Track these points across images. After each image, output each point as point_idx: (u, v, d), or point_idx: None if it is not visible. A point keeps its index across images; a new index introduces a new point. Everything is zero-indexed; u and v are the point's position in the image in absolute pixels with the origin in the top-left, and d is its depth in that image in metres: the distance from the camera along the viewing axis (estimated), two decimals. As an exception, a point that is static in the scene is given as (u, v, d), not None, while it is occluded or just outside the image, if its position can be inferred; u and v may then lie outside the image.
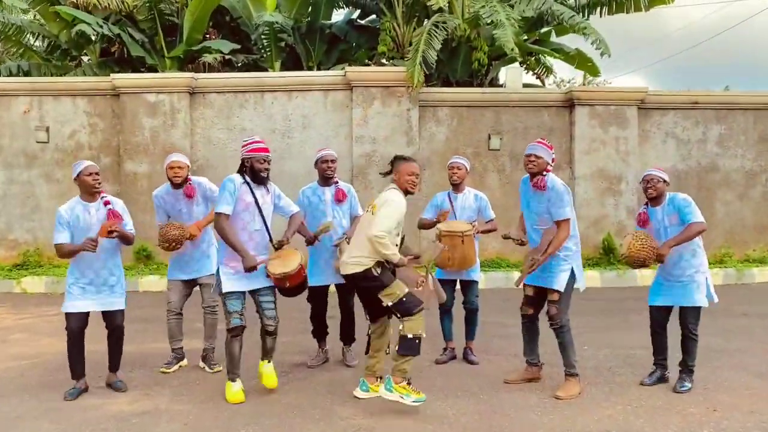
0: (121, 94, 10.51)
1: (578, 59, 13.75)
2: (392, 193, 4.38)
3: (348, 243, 4.96)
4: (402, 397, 4.16)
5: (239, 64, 12.43)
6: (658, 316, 4.77)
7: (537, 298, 4.74)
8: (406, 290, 4.31)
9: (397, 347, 4.25)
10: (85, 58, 14.15)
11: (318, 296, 5.32)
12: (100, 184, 4.54)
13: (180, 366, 5.27)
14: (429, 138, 10.87)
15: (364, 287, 4.44)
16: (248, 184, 4.43)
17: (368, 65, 13.27)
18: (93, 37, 12.68)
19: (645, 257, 4.49)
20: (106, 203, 4.55)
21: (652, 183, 4.65)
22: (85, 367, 4.63)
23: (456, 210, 5.46)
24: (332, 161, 5.30)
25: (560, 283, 4.52)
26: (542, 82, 15.15)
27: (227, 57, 11.80)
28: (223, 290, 4.38)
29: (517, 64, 12.13)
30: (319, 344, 5.46)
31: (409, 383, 4.24)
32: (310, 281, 5.06)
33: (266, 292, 4.49)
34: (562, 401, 4.42)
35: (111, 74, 10.90)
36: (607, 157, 10.88)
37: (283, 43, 12.45)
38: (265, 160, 4.44)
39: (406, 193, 4.41)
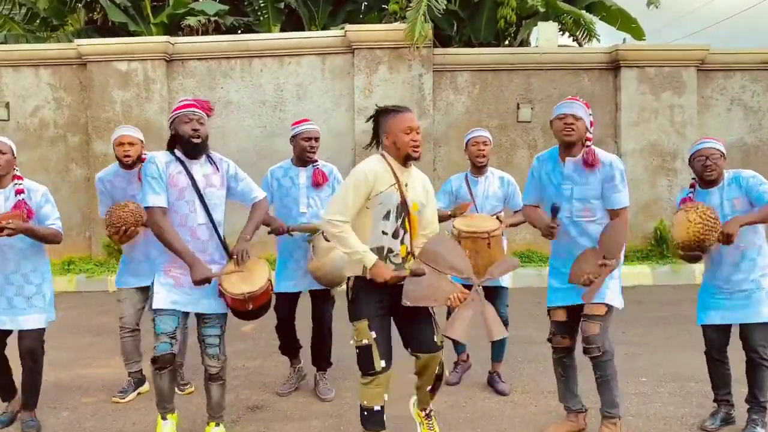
0: (88, 63, 9.13)
1: (620, 18, 11.99)
2: (363, 162, 3.16)
3: (327, 239, 3.78)
4: None
5: (229, 27, 10.92)
6: (715, 339, 3.62)
7: (572, 322, 3.51)
8: (373, 337, 3.08)
9: None
10: (70, 28, 12.92)
11: (285, 305, 4.31)
12: (11, 165, 3.68)
13: (139, 393, 4.38)
14: (446, 109, 9.25)
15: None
16: (181, 161, 3.32)
17: (379, 28, 11.67)
18: (74, 3, 11.37)
19: (708, 240, 3.27)
20: (19, 191, 3.66)
21: (712, 159, 3.46)
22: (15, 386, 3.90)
23: (476, 198, 4.36)
24: (315, 139, 4.25)
25: (610, 295, 3.35)
26: (580, 46, 13.36)
27: (215, 20, 10.33)
28: (155, 305, 3.29)
29: (550, 21, 10.36)
30: (291, 362, 4.49)
31: None
32: (277, 287, 4.19)
33: (213, 321, 3.41)
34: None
35: (76, 40, 9.52)
36: (660, 128, 9.16)
37: (281, 4, 10.96)
38: (191, 118, 3.27)
39: (407, 159, 3.12)
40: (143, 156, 4.10)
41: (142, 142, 4.24)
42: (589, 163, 3.32)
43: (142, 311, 4.25)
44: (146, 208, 3.26)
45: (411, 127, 3.08)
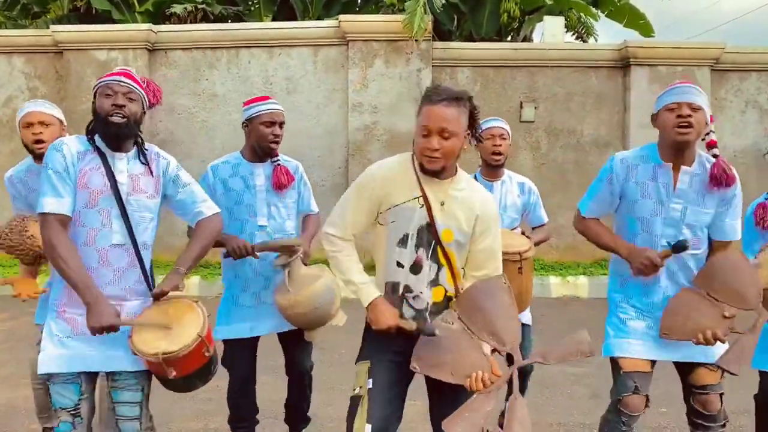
0: (64, 51, 8.57)
1: (628, 15, 11.49)
2: (382, 160, 2.38)
3: (305, 262, 2.98)
4: None
5: (217, 16, 10.38)
6: None
7: (651, 377, 2.62)
8: (368, 388, 2.24)
9: None
10: (52, 15, 12.35)
11: (241, 357, 3.08)
12: None
13: None
14: (445, 106, 8.70)
15: None
16: (101, 154, 2.38)
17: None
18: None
19: None
20: None
21: None
22: None
23: None
24: (281, 125, 3.09)
25: (735, 357, 2.41)
26: (584, 42, 12.88)
27: (202, 7, 9.79)
28: (41, 369, 2.33)
29: (556, 16, 9.87)
30: None
31: None
32: (228, 332, 3.03)
33: (129, 382, 2.41)
34: None
35: (51, 26, 8.97)
36: (671, 131, 8.63)
37: (273, -6, 10.44)
38: (115, 91, 2.33)
39: (422, 169, 2.24)
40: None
41: (62, 122, 3.09)
42: (722, 181, 2.48)
43: None
44: (40, 214, 2.29)
45: (428, 127, 2.15)
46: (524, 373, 3.36)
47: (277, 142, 3.08)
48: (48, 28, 10.72)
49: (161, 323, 2.29)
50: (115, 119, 2.31)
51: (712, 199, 2.55)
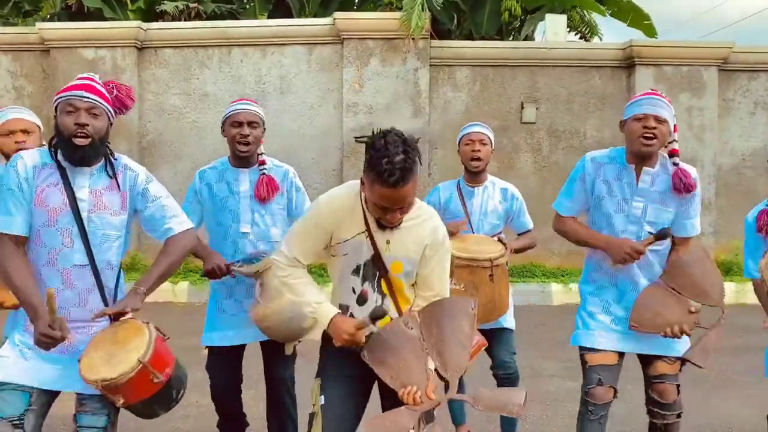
0: (51, 49, 8.33)
1: (632, 14, 11.24)
2: (332, 193, 2.32)
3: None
4: None
5: (210, 14, 10.14)
6: None
7: (618, 369, 2.80)
8: (321, 404, 2.24)
9: None
10: (43, 13, 12.13)
11: (222, 366, 3.04)
12: None
13: None
14: (443, 107, 8.44)
15: None
16: (60, 168, 2.27)
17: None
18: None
19: None
20: None
21: None
22: None
23: (472, 215, 3.38)
24: (252, 123, 2.95)
25: (701, 351, 2.69)
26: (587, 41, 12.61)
27: (194, 6, 9.53)
28: None
29: (559, 14, 9.59)
30: None
31: None
32: (211, 338, 3.02)
33: (94, 406, 2.26)
34: None
35: (38, 24, 8.74)
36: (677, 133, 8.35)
37: (269, -8, 10.19)
38: (77, 107, 2.19)
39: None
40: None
41: (40, 129, 3.00)
42: (681, 189, 2.65)
43: None
44: None
45: (388, 207, 2.11)
46: (513, 379, 3.34)
47: (246, 143, 2.93)
48: (25, 24, 10.55)
49: (108, 343, 2.17)
50: (79, 141, 2.20)
51: (673, 199, 2.70)
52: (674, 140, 2.69)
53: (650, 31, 11.63)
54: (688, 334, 2.64)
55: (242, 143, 2.92)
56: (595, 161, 2.78)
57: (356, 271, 2.27)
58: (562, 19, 8.90)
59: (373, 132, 2.14)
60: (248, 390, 3.36)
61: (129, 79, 8.18)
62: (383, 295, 2.28)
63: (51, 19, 10.92)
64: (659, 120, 2.60)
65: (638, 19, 11.31)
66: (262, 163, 3.01)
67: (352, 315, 2.29)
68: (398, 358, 2.14)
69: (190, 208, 2.98)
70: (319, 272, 6.77)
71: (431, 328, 2.18)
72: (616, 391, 2.73)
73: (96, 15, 10.75)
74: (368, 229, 2.22)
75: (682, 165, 2.69)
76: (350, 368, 2.25)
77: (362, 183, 2.16)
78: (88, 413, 2.26)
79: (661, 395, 2.73)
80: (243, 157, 2.97)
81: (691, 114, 8.36)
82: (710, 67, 8.36)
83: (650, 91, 2.73)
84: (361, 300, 2.29)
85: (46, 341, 2.09)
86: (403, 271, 2.27)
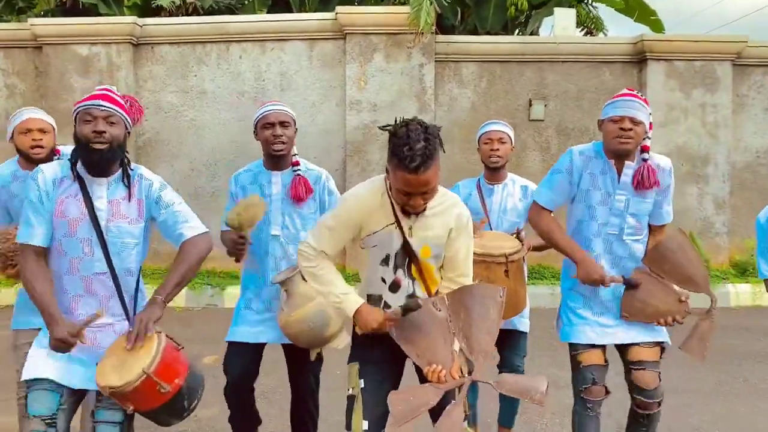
0: (44, 46, 8.05)
1: (638, 10, 11.04)
2: (358, 189, 2.47)
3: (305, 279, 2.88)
4: None
5: (207, 10, 9.87)
6: None
7: (607, 368, 2.91)
8: (361, 387, 2.39)
9: None
10: (38, 10, 11.87)
11: (239, 361, 3.01)
12: None
13: None
14: (449, 104, 8.20)
15: None
16: (80, 180, 2.40)
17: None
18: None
19: None
20: None
21: None
22: None
23: (492, 213, 3.42)
24: (283, 123, 3.00)
25: (664, 332, 2.88)
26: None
27: (191, 1, 9.27)
28: (24, 374, 2.36)
29: (567, 8, 9.34)
30: None
31: None
32: (233, 334, 3.06)
33: (111, 400, 2.32)
34: None
35: (30, 19, 8.47)
36: (690, 130, 8.13)
37: (268, -13, 9.93)
38: (95, 116, 2.31)
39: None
40: (57, 149, 3.19)
41: (54, 129, 3.21)
42: (645, 185, 2.79)
43: None
44: (20, 244, 2.40)
45: (410, 192, 2.23)
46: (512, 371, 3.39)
47: (281, 143, 2.99)
48: (19, 21, 10.29)
49: (123, 351, 2.26)
50: (97, 146, 2.31)
51: (648, 192, 2.82)
52: (648, 137, 2.80)
53: (657, 26, 11.41)
54: (681, 323, 2.76)
55: (278, 143, 2.97)
56: (583, 154, 2.89)
57: (385, 261, 2.41)
58: (572, 13, 8.64)
59: (395, 121, 2.24)
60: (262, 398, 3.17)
61: (125, 76, 7.94)
62: (413, 279, 2.43)
63: (45, 16, 10.65)
64: (635, 122, 2.71)
65: (645, 15, 11.11)
66: (296, 164, 3.06)
67: (385, 303, 2.42)
68: (426, 338, 2.28)
69: None
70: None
71: (459, 312, 2.31)
72: (607, 389, 2.87)
73: (91, 11, 10.51)
74: (397, 220, 2.34)
75: (653, 160, 2.81)
76: (384, 353, 2.40)
77: (387, 172, 2.29)
78: (106, 408, 2.36)
79: (641, 381, 2.77)
80: (278, 157, 3.02)
81: (704, 110, 8.12)
82: (724, 62, 8.12)
83: (626, 91, 2.83)
84: (395, 287, 2.42)
85: (63, 346, 2.24)
86: (431, 254, 2.40)
